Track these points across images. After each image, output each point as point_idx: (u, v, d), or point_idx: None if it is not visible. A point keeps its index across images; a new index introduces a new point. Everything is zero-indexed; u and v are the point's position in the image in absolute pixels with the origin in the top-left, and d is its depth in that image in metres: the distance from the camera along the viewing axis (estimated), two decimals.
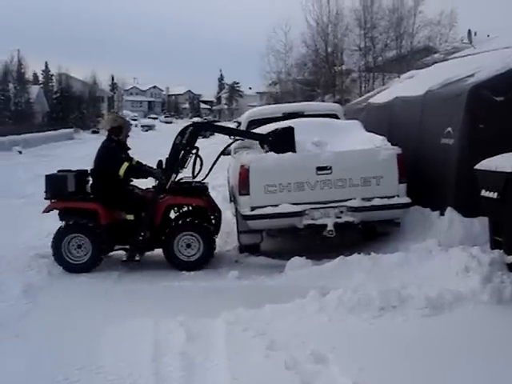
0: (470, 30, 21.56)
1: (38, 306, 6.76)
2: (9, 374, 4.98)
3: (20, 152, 35.10)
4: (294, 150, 8.30)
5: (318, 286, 6.45)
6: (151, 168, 8.79)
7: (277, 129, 8.60)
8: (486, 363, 4.79)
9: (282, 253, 8.52)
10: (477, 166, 6.89)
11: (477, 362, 4.82)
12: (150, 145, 26.49)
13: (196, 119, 69.97)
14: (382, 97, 12.61)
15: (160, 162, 8.63)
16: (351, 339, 5.32)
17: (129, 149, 8.95)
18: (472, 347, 5.09)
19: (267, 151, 8.44)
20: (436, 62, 16.87)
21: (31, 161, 28.31)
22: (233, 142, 9.27)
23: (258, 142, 8.75)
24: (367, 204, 7.96)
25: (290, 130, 8.41)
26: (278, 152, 8.23)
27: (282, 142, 8.37)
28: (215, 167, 8.97)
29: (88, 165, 8.77)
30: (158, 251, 8.52)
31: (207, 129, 9.71)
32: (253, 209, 8.02)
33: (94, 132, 60.53)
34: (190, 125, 8.74)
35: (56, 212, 8.53)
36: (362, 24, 40.53)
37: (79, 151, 30.23)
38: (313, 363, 4.78)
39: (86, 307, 6.66)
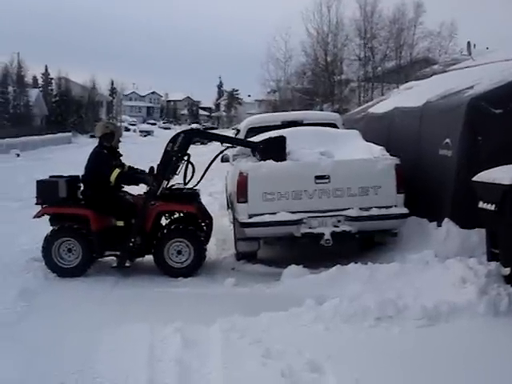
0: (469, 42, 21.64)
1: (33, 310, 6.74)
2: (4, 378, 4.95)
3: (18, 155, 35.09)
4: (284, 160, 8.31)
5: (314, 295, 6.46)
6: (144, 173, 8.81)
7: (270, 137, 8.62)
8: (481, 375, 4.80)
9: (278, 261, 8.51)
10: (475, 178, 6.91)
11: (472, 373, 4.83)
12: (147, 150, 26.48)
13: (195, 125, 70.02)
14: (381, 107, 12.63)
15: (152, 168, 8.63)
16: (347, 349, 5.32)
17: (121, 155, 8.96)
18: (467, 359, 5.10)
19: (259, 159, 8.46)
20: (435, 74, 16.93)
21: (29, 164, 28.29)
22: (224, 150, 9.27)
23: (250, 150, 8.79)
24: (365, 214, 7.97)
25: (282, 139, 8.44)
26: (268, 160, 8.25)
27: (273, 150, 8.39)
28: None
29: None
30: (150, 257, 8.51)
31: (198, 136, 9.68)
32: (250, 216, 8.02)
33: (92, 136, 60.40)
34: (182, 132, 8.74)
35: None
36: (362, 34, 40.80)
37: (77, 155, 30.18)
38: (309, 372, 4.79)
39: (81, 311, 6.64)
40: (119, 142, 8.95)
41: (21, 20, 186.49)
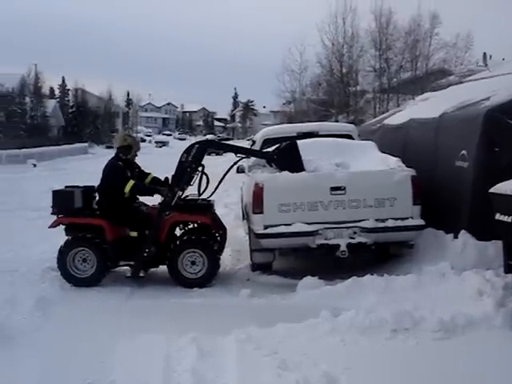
0: (485, 53, 21.64)
1: (50, 320, 6.77)
2: None
3: (34, 165, 35.36)
4: (301, 166, 8.30)
5: (330, 307, 6.44)
6: (159, 181, 8.86)
7: (280, 145, 8.61)
8: None
9: (294, 272, 8.50)
10: (491, 190, 6.85)
11: None
12: (162, 160, 26.57)
13: (210, 136, 70.28)
14: (396, 118, 12.62)
15: (166, 178, 8.68)
16: (363, 361, 5.29)
17: (138, 167, 9.01)
18: (484, 371, 5.05)
19: (276, 170, 8.45)
20: (451, 85, 16.87)
21: (46, 174, 28.49)
22: (238, 161, 9.31)
23: (265, 160, 8.81)
24: (381, 225, 7.95)
25: (294, 145, 8.43)
26: (285, 169, 8.26)
27: (288, 158, 8.39)
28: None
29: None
30: (164, 267, 8.53)
31: (213, 147, 9.73)
32: (266, 227, 8.01)
33: (108, 147, 60.91)
34: (196, 143, 8.76)
35: None
36: (377, 45, 40.67)
37: (93, 165, 30.38)
38: None
39: (97, 321, 6.67)
40: (135, 156, 8.98)
41: (38, 32, 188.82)
